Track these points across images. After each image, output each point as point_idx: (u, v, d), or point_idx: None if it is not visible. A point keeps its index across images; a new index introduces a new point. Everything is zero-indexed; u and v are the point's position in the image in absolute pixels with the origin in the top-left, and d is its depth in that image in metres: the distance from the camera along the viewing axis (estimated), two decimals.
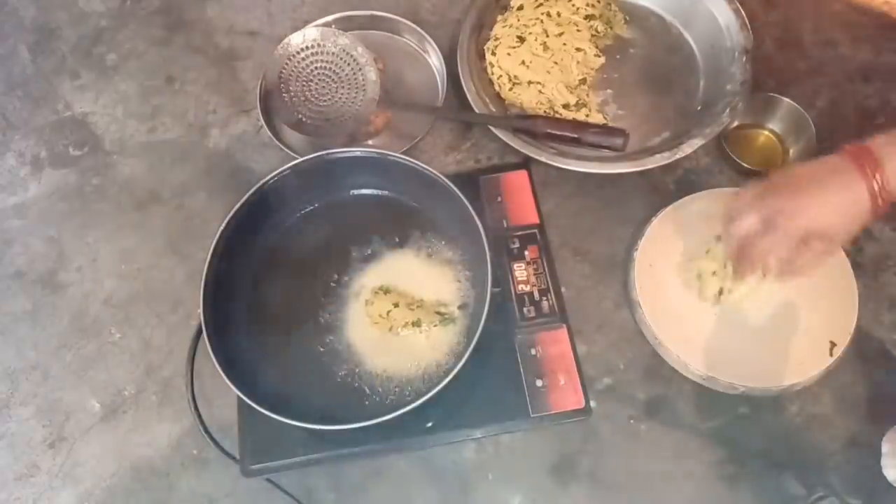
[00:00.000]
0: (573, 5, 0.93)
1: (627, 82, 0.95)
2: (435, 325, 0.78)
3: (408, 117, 0.94)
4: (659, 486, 0.76)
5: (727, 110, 0.85)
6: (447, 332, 0.78)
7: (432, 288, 0.80)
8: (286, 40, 0.88)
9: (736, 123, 0.91)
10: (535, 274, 0.83)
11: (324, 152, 0.80)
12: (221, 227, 0.76)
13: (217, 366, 0.68)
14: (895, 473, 0.72)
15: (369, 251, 0.83)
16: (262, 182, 0.78)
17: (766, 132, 0.92)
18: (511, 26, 0.93)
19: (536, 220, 0.86)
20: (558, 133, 0.85)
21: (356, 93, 0.88)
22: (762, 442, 0.76)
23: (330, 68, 0.89)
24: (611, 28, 0.97)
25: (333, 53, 0.88)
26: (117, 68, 1.06)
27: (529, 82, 0.90)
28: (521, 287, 0.82)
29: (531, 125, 0.86)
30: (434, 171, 0.76)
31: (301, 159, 0.79)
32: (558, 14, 0.92)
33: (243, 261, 0.80)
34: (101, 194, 0.97)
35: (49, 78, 1.06)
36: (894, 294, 0.82)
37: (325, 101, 0.89)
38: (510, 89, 0.91)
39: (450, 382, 0.67)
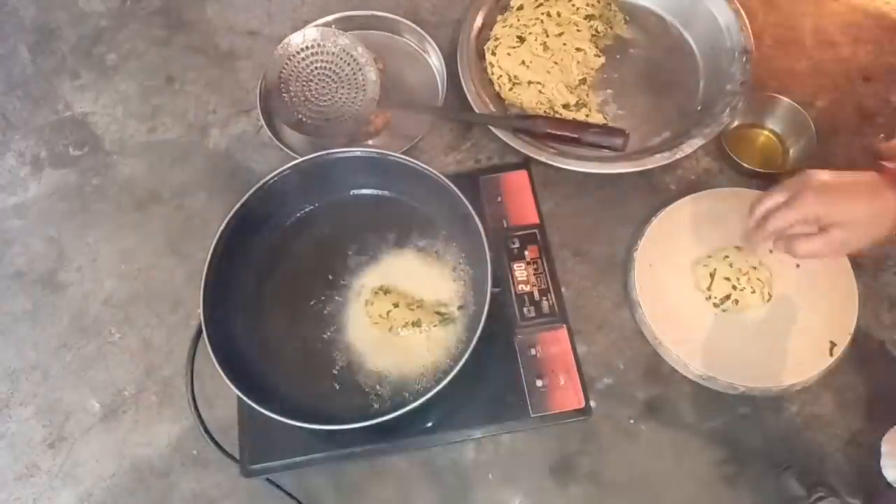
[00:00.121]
0: (573, 5, 0.93)
1: (627, 82, 0.95)
2: (435, 325, 0.78)
3: (408, 117, 0.94)
4: (659, 486, 0.76)
5: (727, 110, 0.85)
6: (447, 332, 0.78)
7: (432, 288, 0.80)
8: (286, 40, 0.88)
9: (736, 123, 0.91)
10: (535, 274, 0.83)
11: (324, 152, 0.80)
12: (221, 227, 0.76)
13: (217, 366, 0.68)
14: (895, 473, 0.72)
15: (369, 251, 0.83)
16: (262, 182, 0.78)
17: (766, 132, 0.92)
18: (511, 26, 0.93)
19: (536, 220, 0.86)
20: (558, 133, 0.85)
21: (356, 93, 0.88)
22: (762, 442, 0.76)
23: (330, 68, 0.89)
24: (611, 28, 0.97)
25: (333, 53, 0.88)
26: (117, 68, 1.06)
27: (529, 82, 0.90)
28: (521, 287, 0.82)
29: (531, 125, 0.86)
30: (434, 171, 0.76)
31: (301, 159, 0.79)
32: (558, 14, 0.92)
33: (243, 261, 0.80)
34: (101, 194, 0.97)
35: (49, 78, 1.06)
36: (894, 294, 0.82)
37: (325, 101, 0.89)
38: (510, 89, 0.91)
39: (450, 382, 0.67)
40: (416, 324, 0.77)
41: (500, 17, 0.97)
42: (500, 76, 0.92)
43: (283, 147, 0.91)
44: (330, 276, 0.82)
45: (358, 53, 0.87)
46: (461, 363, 0.67)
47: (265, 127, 0.93)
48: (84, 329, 0.88)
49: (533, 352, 0.79)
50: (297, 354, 0.78)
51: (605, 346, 0.82)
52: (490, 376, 0.78)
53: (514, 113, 0.93)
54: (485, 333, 0.69)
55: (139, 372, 0.85)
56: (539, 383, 0.77)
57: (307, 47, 0.88)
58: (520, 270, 0.83)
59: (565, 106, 0.90)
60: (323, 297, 0.81)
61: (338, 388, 0.76)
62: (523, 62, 0.90)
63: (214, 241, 0.75)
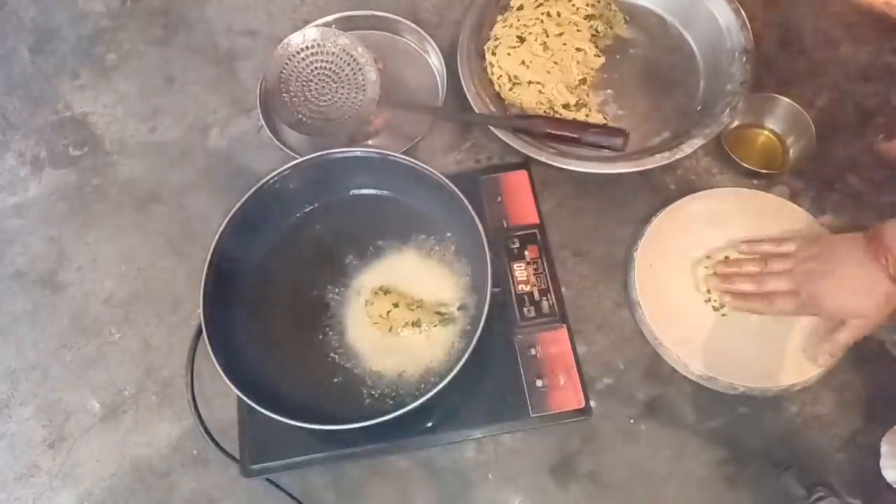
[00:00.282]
0: (573, 5, 0.93)
1: (627, 82, 0.95)
2: (435, 326, 0.78)
3: (408, 117, 0.94)
4: (659, 486, 0.76)
5: (727, 110, 0.85)
6: (447, 333, 0.78)
7: (432, 288, 0.80)
8: (286, 40, 0.88)
9: (736, 123, 0.91)
10: (535, 274, 0.83)
11: (324, 152, 0.80)
12: (221, 227, 0.76)
13: (217, 366, 0.68)
14: (895, 474, 0.72)
15: (369, 251, 0.83)
16: (262, 182, 0.78)
17: (766, 132, 0.92)
18: (511, 26, 0.93)
19: (536, 220, 0.86)
20: (558, 133, 0.85)
21: (356, 93, 0.88)
22: (762, 442, 0.76)
23: (330, 68, 0.89)
24: (611, 28, 0.97)
25: (333, 53, 0.88)
26: (117, 68, 1.06)
27: (529, 82, 0.90)
28: (521, 287, 0.82)
29: (531, 125, 0.86)
30: (434, 171, 0.76)
31: (301, 159, 0.79)
32: (558, 14, 0.92)
33: (243, 261, 0.80)
34: (101, 194, 0.97)
35: (49, 78, 1.06)
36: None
37: (325, 101, 0.89)
38: (510, 89, 0.91)
39: (450, 382, 0.67)
40: (416, 324, 0.77)
41: (500, 17, 0.97)
42: (500, 76, 0.92)
43: (283, 147, 0.91)
44: (330, 276, 0.82)
45: (358, 53, 0.87)
46: (461, 363, 0.67)
47: (265, 127, 0.93)
48: (84, 329, 0.88)
49: (533, 352, 0.79)
50: (297, 354, 0.78)
51: (605, 346, 0.82)
52: (490, 376, 0.78)
53: (514, 113, 0.93)
54: (485, 333, 0.69)
55: (139, 372, 0.85)
56: (539, 383, 0.77)
57: (307, 47, 0.88)
58: (520, 270, 0.83)
59: (565, 106, 0.90)
60: (323, 297, 0.81)
61: (338, 388, 0.76)
62: (523, 62, 0.90)
63: (214, 241, 0.75)
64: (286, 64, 0.89)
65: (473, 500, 0.77)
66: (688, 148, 0.84)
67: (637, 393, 0.79)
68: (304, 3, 1.08)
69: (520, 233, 0.85)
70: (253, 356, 0.76)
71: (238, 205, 0.77)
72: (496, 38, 0.94)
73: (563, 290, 0.83)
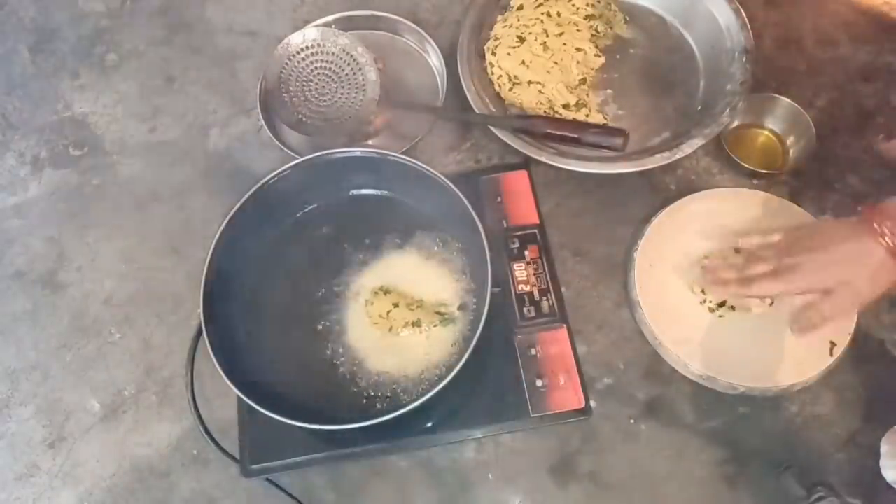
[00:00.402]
0: (573, 5, 0.93)
1: (627, 82, 0.95)
2: (435, 326, 0.78)
3: (408, 117, 0.94)
4: (659, 486, 0.76)
5: (727, 110, 0.85)
6: (447, 333, 0.78)
7: (432, 288, 0.80)
8: (286, 40, 0.88)
9: (736, 123, 0.91)
10: (535, 274, 0.83)
11: (324, 152, 0.80)
12: (221, 227, 0.76)
13: (217, 366, 0.68)
14: (894, 474, 0.72)
15: (369, 251, 0.83)
16: (262, 182, 0.78)
17: (766, 132, 0.92)
18: (511, 26, 0.93)
19: (536, 220, 0.86)
20: (558, 133, 0.85)
21: (356, 93, 0.88)
22: (762, 442, 0.76)
23: (330, 68, 0.89)
24: (611, 28, 0.97)
25: (333, 53, 0.88)
26: (117, 68, 1.06)
27: (529, 82, 0.90)
28: (521, 287, 0.82)
29: (531, 125, 0.86)
30: (434, 171, 0.76)
31: (301, 159, 0.79)
32: (558, 14, 0.92)
33: (243, 261, 0.80)
34: (101, 194, 0.97)
35: (49, 78, 1.06)
36: (894, 294, 0.82)
37: (325, 101, 0.89)
38: (510, 89, 0.91)
39: (450, 382, 0.67)
40: (416, 324, 0.77)
41: (500, 17, 0.97)
42: (500, 76, 0.92)
43: (283, 147, 0.91)
44: (330, 276, 0.82)
45: (358, 53, 0.87)
46: (461, 363, 0.67)
47: (265, 127, 0.93)
48: (84, 329, 0.88)
49: (533, 352, 0.79)
50: (296, 354, 0.78)
51: (605, 346, 0.82)
52: (490, 376, 0.78)
53: (514, 113, 0.93)
54: (485, 333, 0.69)
55: (139, 372, 0.85)
56: (539, 383, 0.77)
57: (307, 47, 0.88)
58: (520, 270, 0.83)
59: (565, 106, 0.90)
60: (323, 297, 0.81)
61: (338, 388, 0.76)
62: (523, 62, 0.90)
63: (214, 241, 0.75)
64: (286, 64, 0.89)
65: (473, 500, 0.77)
66: (688, 148, 0.84)
67: (637, 393, 0.79)
68: (304, 3, 1.08)
69: (520, 233, 0.85)
70: (253, 356, 0.76)
71: (238, 205, 0.77)
72: (496, 38, 0.94)
73: (563, 290, 0.83)
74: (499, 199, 0.88)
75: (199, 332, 0.72)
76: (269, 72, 0.89)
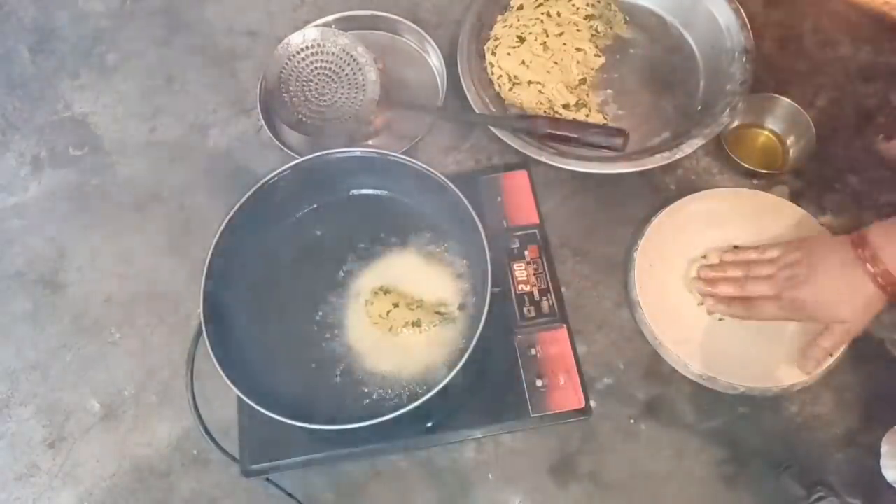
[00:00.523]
0: (573, 5, 0.93)
1: (627, 82, 0.95)
2: (435, 325, 0.77)
3: (408, 117, 0.94)
4: (659, 486, 0.76)
5: (727, 110, 0.85)
6: (447, 332, 0.77)
7: (432, 288, 0.80)
8: (286, 40, 0.88)
9: (736, 123, 0.91)
10: (535, 274, 0.83)
11: (324, 152, 0.80)
12: (221, 227, 0.75)
13: (217, 366, 0.68)
14: (894, 474, 0.72)
15: (369, 251, 0.83)
16: (262, 182, 0.78)
17: (766, 132, 0.92)
18: (511, 26, 0.93)
19: (536, 220, 0.86)
20: (558, 133, 0.85)
21: (356, 93, 0.88)
22: (762, 442, 0.76)
23: (330, 68, 0.89)
24: (611, 28, 0.97)
25: (333, 53, 0.88)
26: (117, 68, 1.06)
27: (529, 82, 0.90)
28: (521, 287, 0.82)
29: (531, 125, 0.86)
30: (434, 171, 0.76)
31: (301, 159, 0.79)
32: (558, 14, 0.92)
33: (243, 261, 0.80)
34: (101, 194, 0.97)
35: (49, 78, 1.06)
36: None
37: (325, 101, 0.89)
38: (510, 89, 0.91)
39: (450, 382, 0.67)
40: (416, 324, 0.77)
41: (500, 17, 0.97)
42: (500, 76, 0.92)
43: (283, 147, 0.91)
44: (330, 276, 0.82)
45: (358, 53, 0.87)
46: (461, 363, 0.67)
47: (265, 127, 0.92)
48: (84, 329, 0.88)
49: (533, 352, 0.79)
50: (296, 354, 0.78)
51: (605, 346, 0.82)
52: (490, 376, 0.78)
53: (514, 113, 0.93)
54: (485, 333, 0.69)
55: (139, 372, 0.85)
56: (539, 383, 0.77)
57: (307, 47, 0.88)
58: (520, 270, 0.83)
59: (565, 106, 0.90)
60: (323, 297, 0.81)
61: (338, 388, 0.76)
62: (523, 62, 0.90)
63: (214, 241, 0.75)
64: (286, 64, 0.89)
65: (473, 500, 0.77)
66: (688, 148, 0.84)
67: (637, 393, 0.79)
68: (304, 3, 1.08)
69: (520, 233, 0.85)
70: (253, 356, 0.76)
71: (238, 205, 0.77)
72: (496, 38, 0.94)
73: (563, 290, 0.83)
74: (499, 199, 0.88)
75: (199, 332, 0.72)
76: (269, 72, 0.89)
